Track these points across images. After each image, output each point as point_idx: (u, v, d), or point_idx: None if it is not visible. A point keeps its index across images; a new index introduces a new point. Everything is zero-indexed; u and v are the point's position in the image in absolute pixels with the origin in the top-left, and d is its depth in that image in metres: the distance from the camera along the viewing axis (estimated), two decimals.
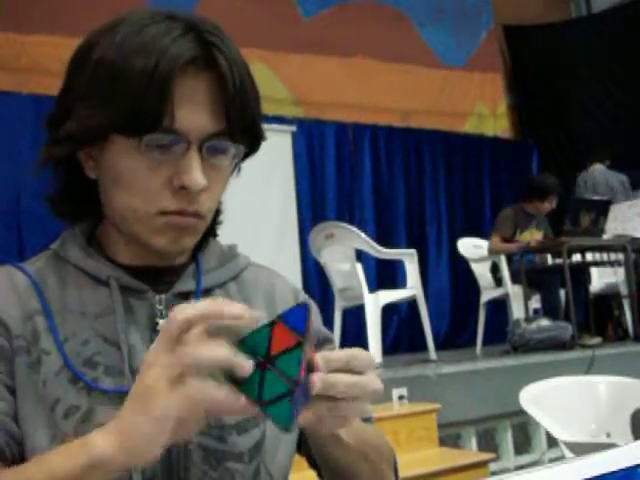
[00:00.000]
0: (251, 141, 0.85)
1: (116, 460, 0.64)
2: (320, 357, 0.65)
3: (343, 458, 0.81)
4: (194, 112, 0.78)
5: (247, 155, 0.87)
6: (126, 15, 0.80)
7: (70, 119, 0.80)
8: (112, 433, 0.64)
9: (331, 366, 0.65)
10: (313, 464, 0.91)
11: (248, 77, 0.81)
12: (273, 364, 0.62)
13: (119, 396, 0.76)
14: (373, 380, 0.67)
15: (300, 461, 0.93)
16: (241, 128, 0.80)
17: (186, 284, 0.87)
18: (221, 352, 0.61)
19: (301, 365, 0.62)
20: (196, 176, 0.78)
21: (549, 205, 5.25)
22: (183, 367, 0.61)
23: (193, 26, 0.78)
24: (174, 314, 0.63)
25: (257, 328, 0.64)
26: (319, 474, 0.90)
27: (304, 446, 0.91)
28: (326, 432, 0.74)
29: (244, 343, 0.64)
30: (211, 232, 0.93)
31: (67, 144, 0.81)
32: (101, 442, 0.64)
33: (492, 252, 5.19)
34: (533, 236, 5.13)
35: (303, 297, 0.98)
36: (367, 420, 0.93)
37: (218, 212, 0.92)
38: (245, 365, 0.62)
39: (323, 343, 0.94)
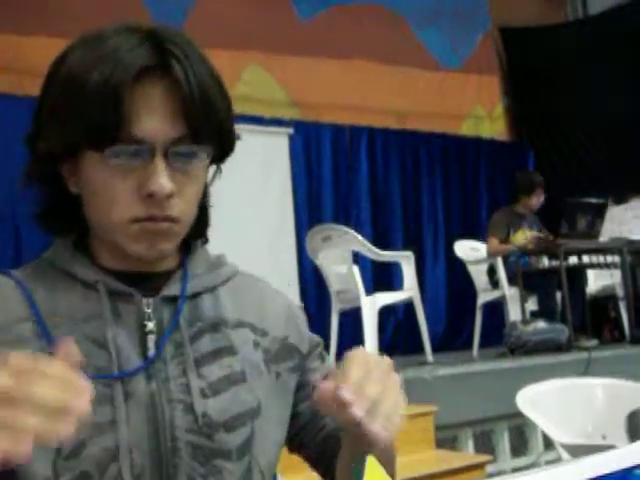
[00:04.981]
0: (222, 143, 0.85)
1: None
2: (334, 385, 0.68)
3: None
4: (153, 120, 0.79)
5: (224, 156, 0.88)
6: (92, 31, 0.82)
7: (42, 137, 0.82)
8: None
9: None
10: (315, 465, 0.92)
11: (211, 79, 0.82)
12: None
13: (107, 397, 0.78)
14: (395, 377, 0.72)
15: (302, 461, 0.94)
16: (206, 131, 0.81)
17: (173, 289, 0.88)
18: None
19: None
20: (161, 182, 0.79)
21: (537, 200, 5.24)
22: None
23: (151, 35, 0.80)
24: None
25: None
26: (323, 475, 0.91)
27: (312, 447, 0.92)
28: (378, 443, 0.72)
29: None
30: (199, 235, 0.94)
31: (43, 162, 0.83)
32: None
33: (491, 255, 5.19)
34: (526, 235, 5.12)
35: (295, 306, 1.00)
36: None
37: (204, 214, 0.93)
38: None
39: (315, 347, 0.98)
